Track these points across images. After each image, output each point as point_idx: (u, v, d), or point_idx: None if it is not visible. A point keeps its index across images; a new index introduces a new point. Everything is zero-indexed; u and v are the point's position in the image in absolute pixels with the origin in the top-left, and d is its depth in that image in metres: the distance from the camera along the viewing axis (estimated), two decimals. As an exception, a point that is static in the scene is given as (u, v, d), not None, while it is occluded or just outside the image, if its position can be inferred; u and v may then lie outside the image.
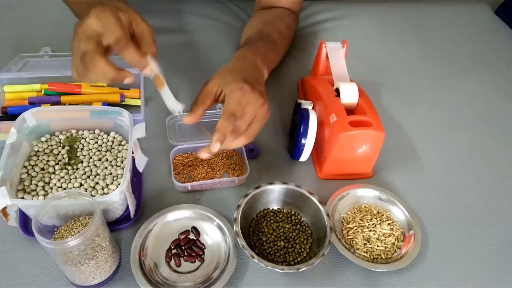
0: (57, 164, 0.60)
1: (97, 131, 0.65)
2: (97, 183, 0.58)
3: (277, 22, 0.81)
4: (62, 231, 0.49)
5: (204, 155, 0.54)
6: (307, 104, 0.64)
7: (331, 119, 0.63)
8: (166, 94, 0.58)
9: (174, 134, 0.71)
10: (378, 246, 0.58)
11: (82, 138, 0.64)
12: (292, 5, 0.87)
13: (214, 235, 0.59)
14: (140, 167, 0.60)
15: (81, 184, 0.58)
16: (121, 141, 0.65)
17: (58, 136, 0.64)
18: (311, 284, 0.56)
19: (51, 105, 0.69)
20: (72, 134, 0.65)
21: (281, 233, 0.60)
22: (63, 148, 0.63)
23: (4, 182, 0.52)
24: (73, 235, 0.48)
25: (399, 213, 0.63)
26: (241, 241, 0.54)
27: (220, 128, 0.52)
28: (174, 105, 0.59)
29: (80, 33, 0.48)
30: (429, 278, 0.57)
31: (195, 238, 0.58)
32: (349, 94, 0.66)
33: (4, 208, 0.52)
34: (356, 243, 0.59)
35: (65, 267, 0.49)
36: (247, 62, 0.65)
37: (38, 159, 0.60)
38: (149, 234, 0.57)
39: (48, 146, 0.62)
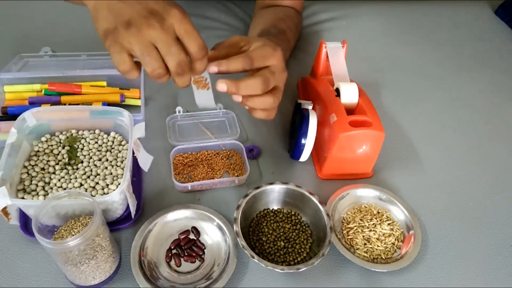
0: (57, 164, 0.61)
1: (97, 131, 0.65)
2: (97, 183, 0.58)
3: (287, 20, 0.81)
4: (62, 231, 0.49)
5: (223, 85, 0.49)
6: (307, 104, 0.64)
7: (331, 119, 0.63)
8: (207, 94, 0.54)
9: (174, 134, 0.71)
10: (378, 246, 0.58)
11: (82, 138, 0.64)
12: (295, 4, 0.87)
13: (214, 235, 0.59)
14: (145, 167, 0.60)
15: (81, 184, 0.58)
16: (121, 141, 0.65)
17: (58, 136, 0.64)
18: (311, 284, 0.56)
19: (51, 105, 0.69)
20: (72, 134, 0.65)
21: (281, 233, 0.60)
22: (63, 148, 0.63)
23: (4, 182, 0.52)
24: (73, 235, 0.48)
25: (399, 213, 0.63)
26: (241, 241, 0.54)
27: (232, 59, 0.49)
28: (208, 103, 0.55)
29: (164, 34, 0.43)
30: (429, 278, 0.57)
31: (195, 238, 0.58)
32: (349, 94, 0.66)
33: (5, 208, 0.52)
34: (356, 243, 0.59)
35: (65, 267, 0.49)
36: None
37: (38, 159, 0.60)
38: (149, 234, 0.57)
39: (48, 146, 0.62)
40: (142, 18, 0.43)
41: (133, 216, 0.58)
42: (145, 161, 0.60)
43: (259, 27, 0.78)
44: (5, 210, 0.52)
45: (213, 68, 0.49)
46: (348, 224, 0.61)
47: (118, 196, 0.52)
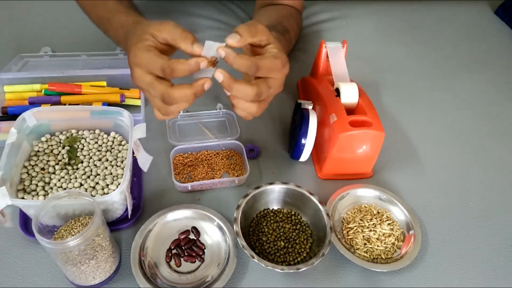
0: (57, 164, 0.60)
1: (97, 131, 0.65)
2: (97, 183, 0.58)
3: (290, 19, 0.81)
4: (62, 231, 0.49)
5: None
6: (307, 104, 0.64)
7: (331, 119, 0.63)
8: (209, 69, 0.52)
9: (174, 134, 0.71)
10: (378, 246, 0.58)
11: (82, 138, 0.64)
12: (296, 3, 0.87)
13: (214, 235, 0.59)
14: (145, 167, 0.60)
15: (81, 184, 0.58)
16: (121, 141, 0.65)
17: (58, 136, 0.64)
18: (311, 284, 0.56)
19: (51, 105, 0.69)
20: (72, 134, 0.65)
21: (281, 233, 0.60)
22: (63, 148, 0.63)
23: (4, 182, 0.52)
24: (73, 235, 0.48)
25: (399, 213, 0.63)
26: (241, 241, 0.54)
27: (241, 59, 0.48)
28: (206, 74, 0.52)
29: (142, 85, 0.49)
30: (429, 278, 0.57)
31: (195, 238, 0.58)
32: (349, 94, 0.66)
33: (1, 210, 0.52)
34: (356, 243, 0.59)
35: (65, 267, 0.49)
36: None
37: (38, 159, 0.60)
38: (149, 234, 0.57)
39: (48, 146, 0.62)
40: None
41: (129, 216, 0.58)
42: (145, 161, 0.60)
43: (264, 21, 0.75)
44: (2, 212, 0.52)
45: (221, 52, 0.49)
46: (348, 224, 0.61)
47: (118, 196, 0.52)
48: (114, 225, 0.58)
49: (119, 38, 0.63)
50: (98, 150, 0.63)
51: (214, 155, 0.70)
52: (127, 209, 0.58)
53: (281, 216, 0.62)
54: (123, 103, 0.74)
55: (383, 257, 0.58)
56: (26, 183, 0.57)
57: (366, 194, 0.65)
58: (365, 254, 0.58)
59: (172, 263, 0.56)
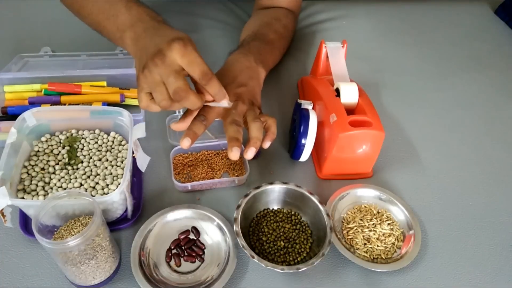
0: (57, 164, 0.61)
1: (97, 131, 0.65)
2: (97, 183, 0.58)
3: (273, 23, 0.81)
4: (62, 231, 0.49)
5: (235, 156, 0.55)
6: (307, 104, 0.64)
7: (331, 119, 0.63)
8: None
9: (174, 134, 0.71)
10: (378, 246, 0.58)
11: (82, 138, 0.64)
12: (291, 4, 0.87)
13: (214, 235, 0.59)
14: (143, 167, 0.60)
15: (81, 184, 0.58)
16: (121, 141, 0.65)
17: (58, 136, 0.64)
18: (311, 284, 0.56)
19: (51, 105, 0.69)
20: (72, 134, 0.65)
21: (281, 233, 0.60)
22: (63, 148, 0.63)
23: (4, 182, 0.52)
24: (73, 235, 0.48)
25: (399, 213, 0.63)
26: (241, 241, 0.54)
27: (232, 134, 0.55)
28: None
29: (165, 68, 0.49)
30: (429, 278, 0.57)
31: (195, 238, 0.58)
32: (349, 94, 0.66)
33: (1, 210, 0.52)
34: (356, 243, 0.59)
35: (65, 267, 0.49)
36: (238, 65, 0.66)
37: (38, 159, 0.60)
38: (149, 234, 0.57)
39: (48, 146, 0.62)
40: (150, 60, 0.50)
41: (129, 216, 0.58)
42: (143, 162, 0.60)
43: (243, 35, 0.81)
44: (1, 212, 0.52)
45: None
46: (348, 224, 0.61)
47: (118, 196, 0.52)
48: (114, 225, 0.58)
49: (126, 24, 0.57)
50: (98, 150, 0.63)
51: (214, 155, 0.70)
52: (127, 209, 0.58)
53: (281, 216, 0.62)
54: (123, 103, 0.74)
55: (383, 257, 0.58)
56: (26, 183, 0.57)
57: (366, 194, 0.65)
58: (365, 254, 0.58)
59: (172, 263, 0.56)
